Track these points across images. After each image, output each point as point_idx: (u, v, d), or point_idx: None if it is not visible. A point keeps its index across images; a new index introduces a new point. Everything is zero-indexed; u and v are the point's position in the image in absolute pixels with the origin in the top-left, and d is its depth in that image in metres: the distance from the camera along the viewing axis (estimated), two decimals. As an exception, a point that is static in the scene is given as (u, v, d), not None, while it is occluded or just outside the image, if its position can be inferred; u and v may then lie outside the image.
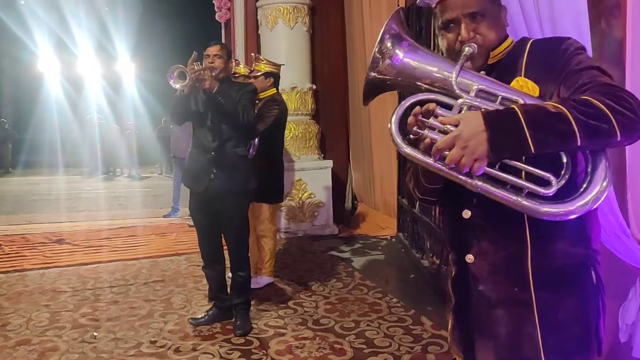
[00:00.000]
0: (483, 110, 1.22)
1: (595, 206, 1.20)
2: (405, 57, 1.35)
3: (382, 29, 1.36)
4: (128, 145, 14.74)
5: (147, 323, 3.73)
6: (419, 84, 1.36)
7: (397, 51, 1.35)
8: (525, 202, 1.20)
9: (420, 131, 1.27)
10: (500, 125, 1.18)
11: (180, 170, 7.72)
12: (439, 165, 1.23)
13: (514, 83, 1.34)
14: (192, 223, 6.96)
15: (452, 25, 1.42)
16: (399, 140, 1.27)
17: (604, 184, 1.19)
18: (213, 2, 7.03)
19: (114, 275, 4.86)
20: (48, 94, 17.50)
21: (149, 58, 14.90)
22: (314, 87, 6.45)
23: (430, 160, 1.24)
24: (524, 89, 1.32)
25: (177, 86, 3.29)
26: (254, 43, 6.48)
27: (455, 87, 1.28)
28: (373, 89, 1.42)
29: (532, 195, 1.20)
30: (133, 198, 10.73)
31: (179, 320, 3.77)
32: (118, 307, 4.06)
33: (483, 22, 1.40)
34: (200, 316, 3.75)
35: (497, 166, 1.22)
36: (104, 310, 4.00)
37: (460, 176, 1.22)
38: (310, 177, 6.12)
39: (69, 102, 17.28)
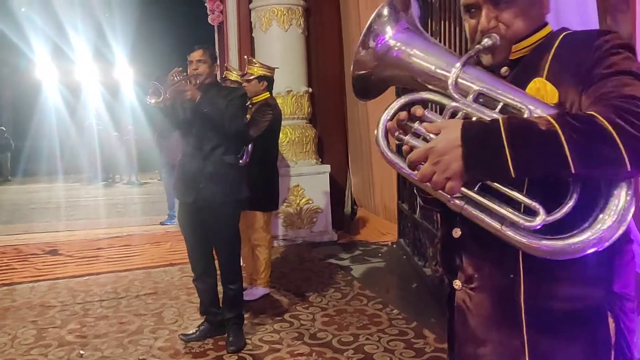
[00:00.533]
0: (466, 120, 1.04)
1: (601, 247, 0.97)
2: (394, 40, 1.17)
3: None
4: (127, 151, 14.60)
5: (136, 339, 3.57)
6: (417, 80, 1.18)
7: (385, 34, 1.17)
8: (509, 233, 1.01)
9: (402, 137, 1.10)
10: (478, 141, 0.99)
11: (172, 176, 7.58)
12: (417, 179, 1.07)
13: (531, 85, 1.13)
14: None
15: (473, 10, 1.21)
16: (383, 145, 1.11)
17: (614, 220, 0.96)
18: (205, 4, 6.88)
19: (105, 288, 4.70)
20: (46, 101, 17.39)
21: (147, 63, 14.78)
22: (310, 90, 6.29)
23: (410, 172, 1.08)
24: (540, 93, 1.11)
25: (152, 102, 3.20)
26: (247, 46, 6.32)
27: (450, 87, 1.09)
28: (366, 85, 1.25)
29: (517, 225, 1.01)
30: (131, 205, 10.59)
31: (170, 336, 3.61)
32: (107, 322, 3.90)
33: (509, 9, 1.17)
34: (191, 332, 3.59)
35: (477, 186, 1.05)
36: (92, 326, 3.84)
37: (439, 193, 1.04)
38: (307, 182, 5.96)
39: (67, 108, 17.18)
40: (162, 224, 7.82)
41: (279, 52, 5.99)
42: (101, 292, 4.58)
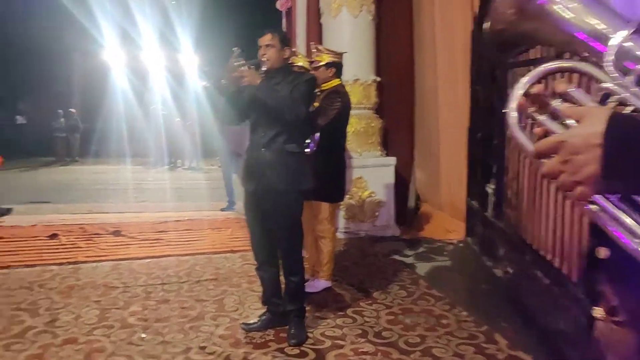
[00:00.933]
0: (617, 110, 0.80)
1: None
2: None
3: None
4: (190, 137, 14.80)
5: (197, 326, 3.52)
6: (565, 43, 0.93)
7: None
8: None
9: (538, 116, 0.87)
10: (625, 142, 0.76)
11: (230, 163, 7.58)
12: (543, 173, 0.84)
13: None
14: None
15: None
16: (513, 121, 0.89)
17: None
18: (274, -11, 6.79)
19: (167, 271, 4.69)
20: (114, 85, 17.89)
21: (212, 50, 14.92)
22: (378, 79, 6.09)
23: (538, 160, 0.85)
24: None
25: (205, 84, 3.15)
26: (315, 32, 6.17)
27: (607, 60, 0.85)
28: (500, 40, 1.04)
29: None
30: (193, 190, 10.69)
31: (231, 325, 3.54)
32: (168, 306, 3.87)
33: None
34: (252, 321, 3.51)
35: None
36: (153, 309, 3.82)
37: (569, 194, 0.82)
38: (371, 174, 5.78)
39: (134, 93, 17.60)
40: (222, 210, 7.82)
41: (348, 39, 5.81)
42: (163, 276, 4.57)
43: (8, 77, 18.08)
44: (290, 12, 6.72)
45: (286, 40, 3.35)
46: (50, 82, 19.15)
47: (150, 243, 5.71)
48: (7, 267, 4.73)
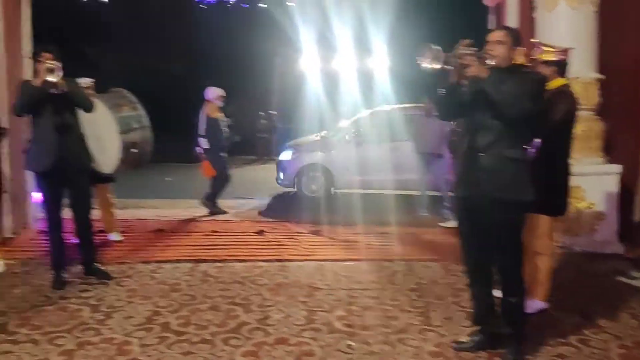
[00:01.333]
0: None
1: None
2: None
3: None
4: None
5: (403, 338, 3.40)
6: None
7: None
8: None
9: None
10: None
11: (425, 167, 7.37)
12: None
13: None
14: (444, 224, 6.58)
15: None
16: None
17: None
18: (482, -15, 6.41)
19: (368, 276, 4.66)
20: (308, 87, 18.73)
21: (406, 51, 14.82)
22: (601, 77, 5.42)
23: None
24: None
25: (427, 66, 2.91)
26: (528, 27, 5.66)
27: None
28: None
29: None
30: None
31: (439, 341, 3.36)
32: (372, 314, 3.82)
33: None
34: (463, 340, 3.30)
35: None
36: (358, 315, 3.79)
37: None
38: (590, 183, 5.15)
39: (326, 95, 18.26)
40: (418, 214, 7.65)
41: (565, 34, 5.20)
42: (365, 280, 4.54)
43: (217, 82, 19.93)
44: (499, 7, 6.29)
45: (518, 40, 3.07)
46: (253, 85, 20.73)
47: (349, 245, 5.75)
48: (223, 260, 5.08)
